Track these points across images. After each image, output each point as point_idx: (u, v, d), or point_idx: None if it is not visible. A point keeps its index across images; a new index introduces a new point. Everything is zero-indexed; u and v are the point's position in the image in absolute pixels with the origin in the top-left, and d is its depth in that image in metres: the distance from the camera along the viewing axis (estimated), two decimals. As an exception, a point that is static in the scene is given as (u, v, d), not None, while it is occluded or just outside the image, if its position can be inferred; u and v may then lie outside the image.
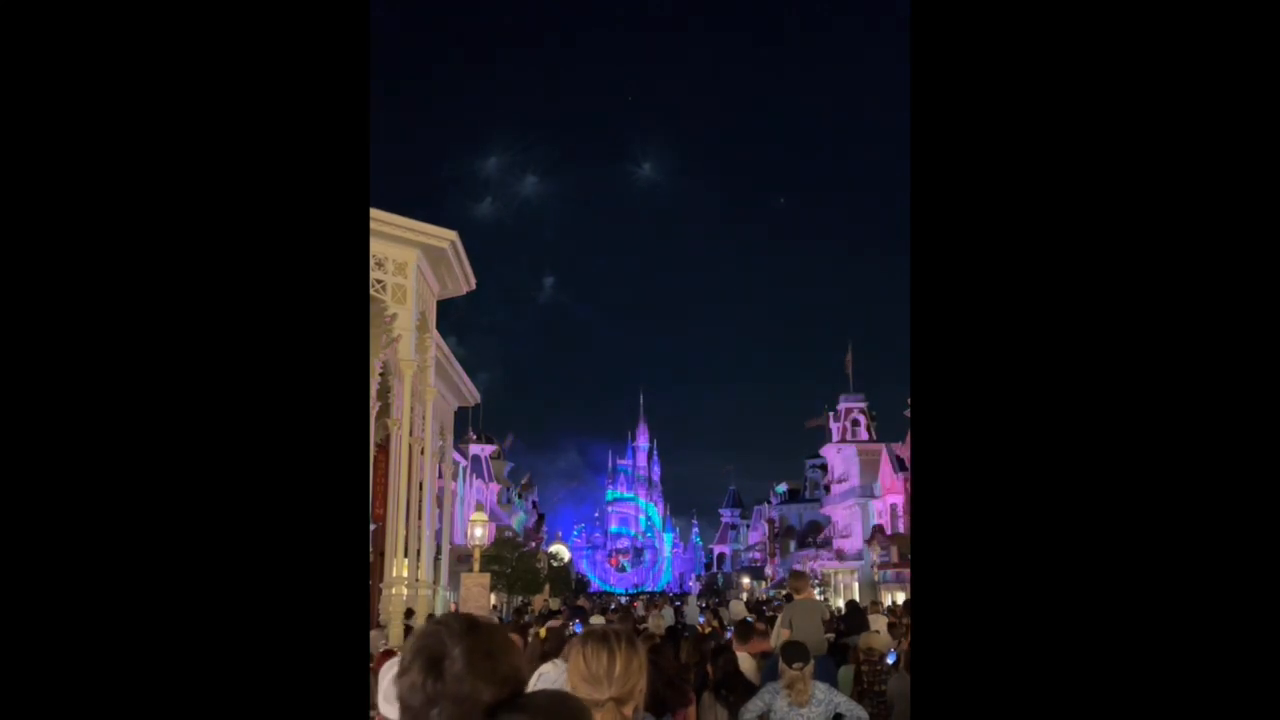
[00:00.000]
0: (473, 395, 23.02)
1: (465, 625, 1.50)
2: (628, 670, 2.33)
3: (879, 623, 10.89)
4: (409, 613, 12.52)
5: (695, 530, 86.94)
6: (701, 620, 17.56)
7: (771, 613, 14.99)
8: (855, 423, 47.34)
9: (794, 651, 5.49)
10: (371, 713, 2.84)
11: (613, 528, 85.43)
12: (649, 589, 70.51)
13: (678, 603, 27.48)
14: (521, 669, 1.52)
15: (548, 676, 4.19)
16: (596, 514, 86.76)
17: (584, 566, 77.86)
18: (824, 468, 53.40)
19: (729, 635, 10.66)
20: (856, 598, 33.02)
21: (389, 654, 6.05)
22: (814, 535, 53.63)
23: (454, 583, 19.56)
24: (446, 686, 1.43)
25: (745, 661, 7.02)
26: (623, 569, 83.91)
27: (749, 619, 9.55)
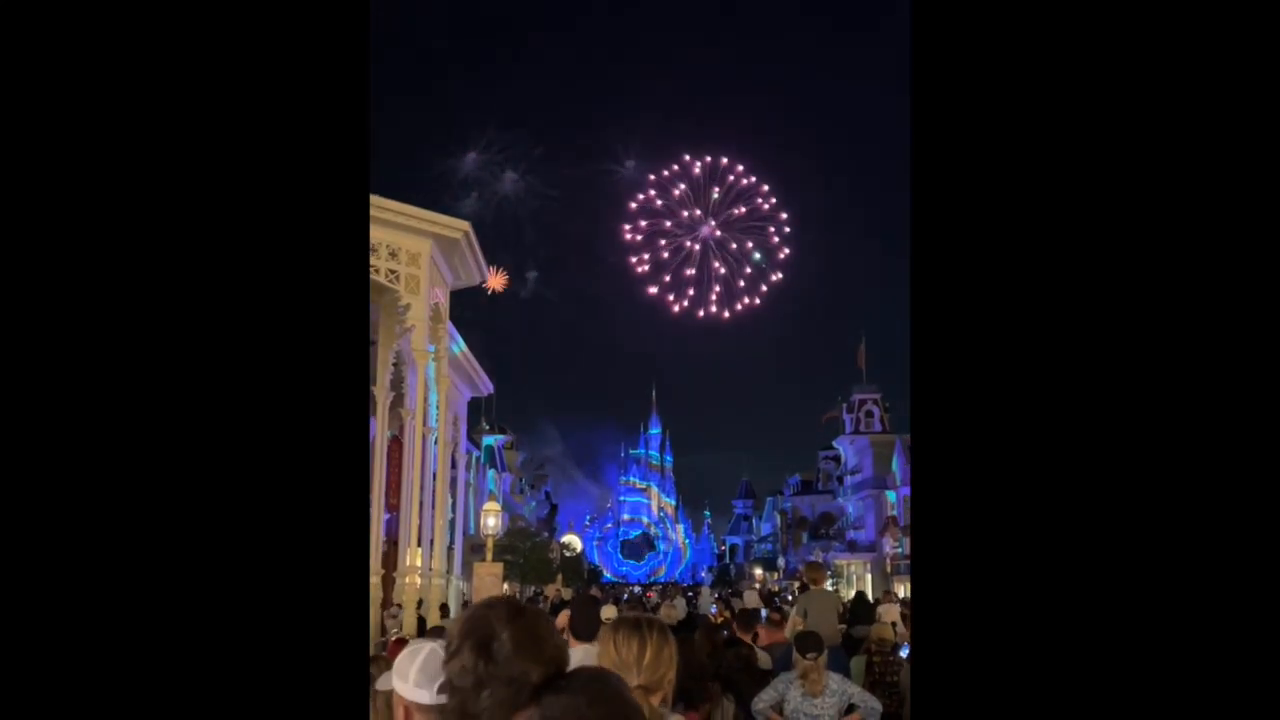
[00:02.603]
0: (485, 385, 23.08)
1: (512, 609, 1.57)
2: (658, 659, 2.31)
3: (892, 614, 10.79)
4: (420, 602, 12.55)
5: (707, 521, 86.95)
6: (714, 610, 17.57)
7: (783, 604, 14.99)
8: (869, 414, 47.27)
9: (809, 641, 5.46)
10: (372, 692, 2.86)
11: (625, 516, 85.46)
12: (662, 580, 70.68)
13: (690, 593, 27.51)
14: (564, 650, 1.57)
15: None
16: (608, 504, 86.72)
17: (595, 557, 78.03)
18: (837, 459, 53.31)
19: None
20: (869, 589, 33.03)
21: (401, 642, 6.07)
22: (827, 526, 53.56)
23: (467, 572, 19.62)
24: (498, 668, 1.48)
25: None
26: (635, 559, 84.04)
27: (760, 610, 9.54)
